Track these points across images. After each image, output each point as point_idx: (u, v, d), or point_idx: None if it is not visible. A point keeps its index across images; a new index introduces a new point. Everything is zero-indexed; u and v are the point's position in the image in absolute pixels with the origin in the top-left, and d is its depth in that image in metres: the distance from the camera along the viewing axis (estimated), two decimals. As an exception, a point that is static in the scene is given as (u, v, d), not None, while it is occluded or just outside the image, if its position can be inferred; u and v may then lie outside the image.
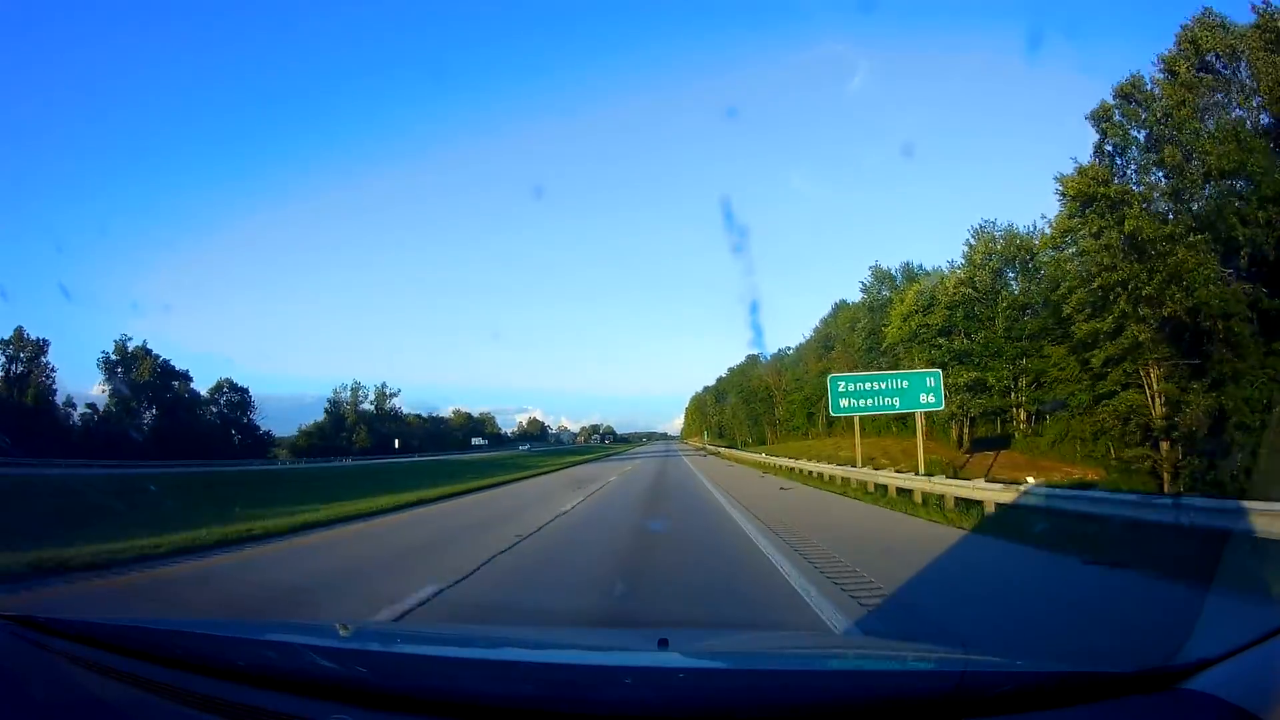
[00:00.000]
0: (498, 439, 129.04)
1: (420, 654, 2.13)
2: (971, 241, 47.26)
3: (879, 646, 3.10)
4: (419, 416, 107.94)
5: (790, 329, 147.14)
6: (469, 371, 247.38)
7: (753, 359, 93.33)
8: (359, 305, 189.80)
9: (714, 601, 6.19)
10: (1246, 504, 6.75)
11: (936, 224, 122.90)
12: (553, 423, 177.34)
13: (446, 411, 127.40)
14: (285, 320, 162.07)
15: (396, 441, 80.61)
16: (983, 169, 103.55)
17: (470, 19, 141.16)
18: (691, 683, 1.77)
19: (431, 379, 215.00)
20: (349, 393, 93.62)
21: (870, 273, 60.98)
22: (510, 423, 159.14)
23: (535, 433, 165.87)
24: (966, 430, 46.55)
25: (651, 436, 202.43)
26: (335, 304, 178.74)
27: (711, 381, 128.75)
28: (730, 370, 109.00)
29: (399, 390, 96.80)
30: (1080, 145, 47.81)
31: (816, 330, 74.62)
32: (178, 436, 55.88)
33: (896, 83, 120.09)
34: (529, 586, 6.97)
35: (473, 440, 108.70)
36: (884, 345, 51.72)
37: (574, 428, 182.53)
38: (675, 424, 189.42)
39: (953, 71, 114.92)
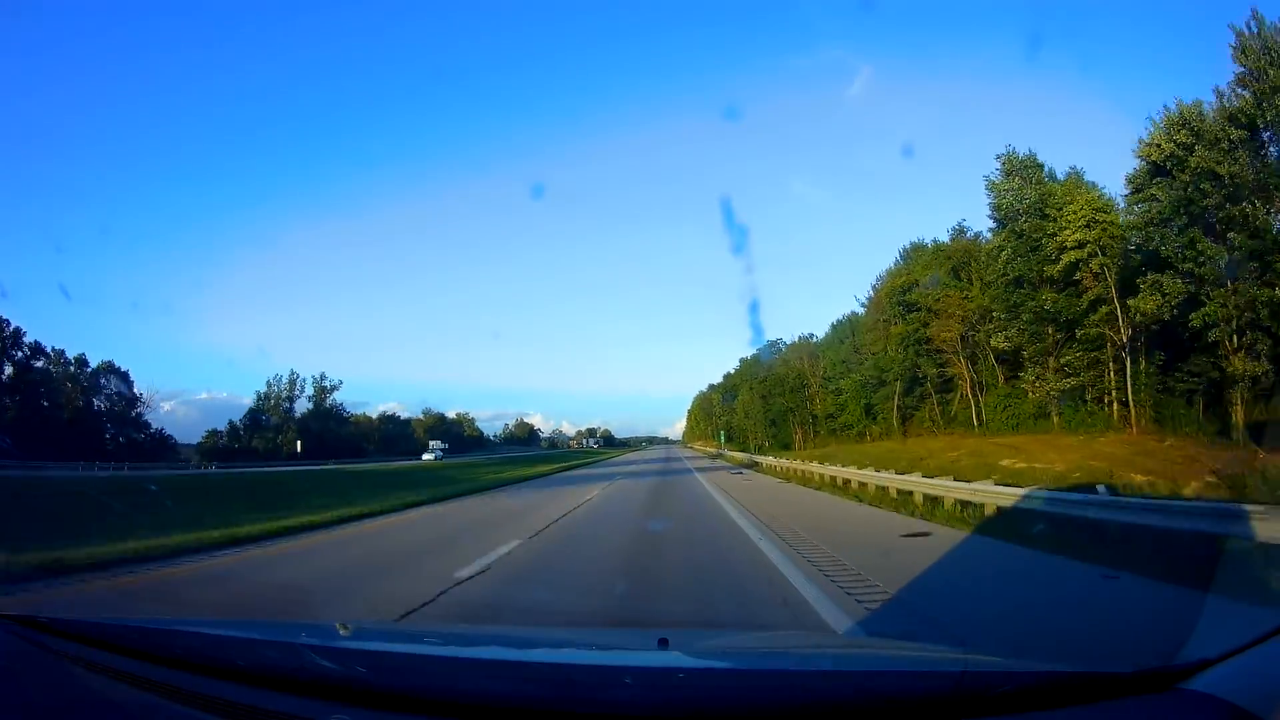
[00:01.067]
0: (476, 442, 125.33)
1: (420, 654, 2.34)
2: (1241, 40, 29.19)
3: (879, 646, 3.27)
4: (368, 416, 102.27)
5: (792, 332, 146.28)
6: (471, 377, 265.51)
7: (771, 346, 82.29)
8: (357, 309, 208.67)
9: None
10: (1246, 506, 7.10)
11: (937, 225, 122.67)
12: (549, 427, 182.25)
13: (448, 412, 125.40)
14: (285, 323, 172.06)
15: (299, 444, 74.08)
16: (983, 170, 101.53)
17: (470, 19, 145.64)
18: (692, 683, 1.93)
19: (435, 384, 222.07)
20: (285, 386, 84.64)
21: (999, 166, 40.83)
22: (495, 427, 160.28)
23: (523, 436, 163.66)
24: (1240, 405, 28.16)
25: (652, 440, 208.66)
26: (334, 307, 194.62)
27: (717, 382, 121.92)
28: (742, 361, 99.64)
29: (340, 383, 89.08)
30: (1080, 145, 40.09)
31: (879, 287, 58.30)
32: (35, 433, 50.25)
33: (897, 86, 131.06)
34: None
35: (430, 443, 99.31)
36: (1060, 266, 34.76)
37: (570, 431, 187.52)
38: (677, 428, 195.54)
39: (953, 74, 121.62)
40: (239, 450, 71.12)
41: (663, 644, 2.28)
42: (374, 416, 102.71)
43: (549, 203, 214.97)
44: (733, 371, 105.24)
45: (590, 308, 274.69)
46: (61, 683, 1.88)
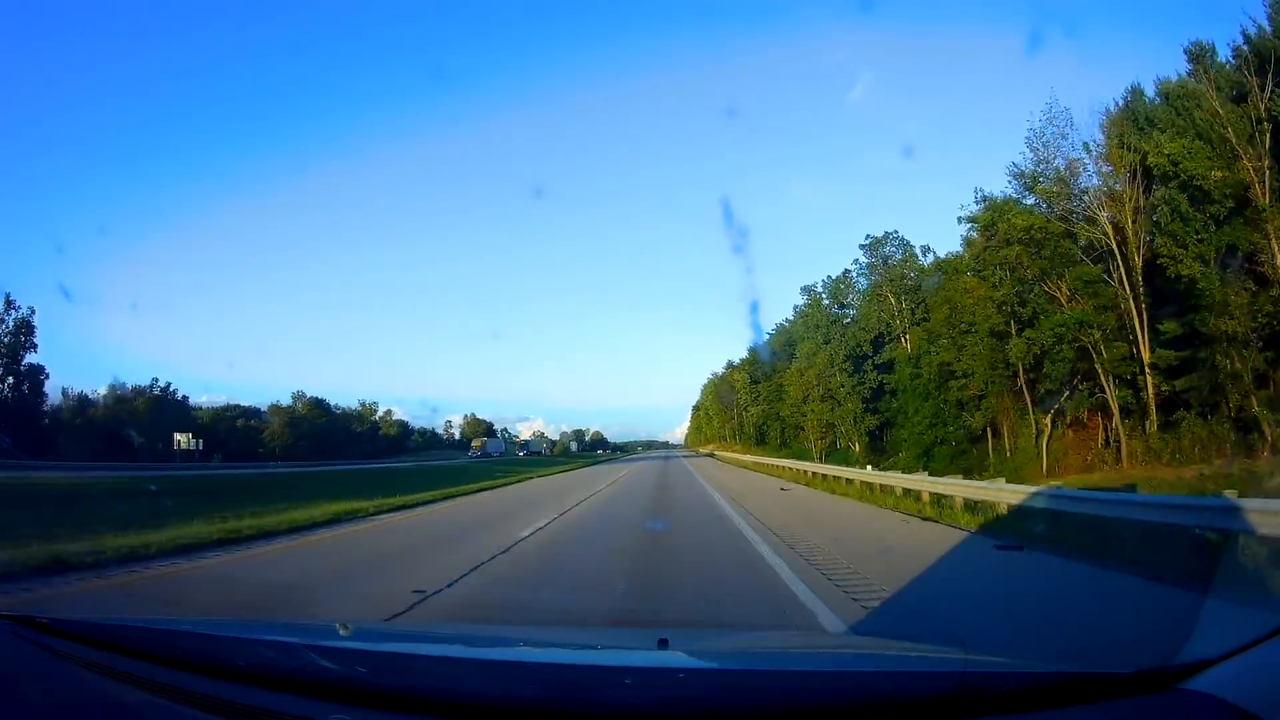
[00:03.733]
0: (393, 444, 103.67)
1: (420, 654, 2.37)
2: None
3: (879, 647, 3.32)
4: (117, 390, 67.73)
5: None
6: (472, 384, 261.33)
7: (845, 279, 59.61)
8: (353, 310, 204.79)
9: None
10: (1244, 502, 7.03)
11: (937, 225, 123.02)
12: (534, 431, 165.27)
13: (449, 420, 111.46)
14: (276, 321, 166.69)
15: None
16: (984, 168, 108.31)
17: (469, 16, 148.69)
18: (692, 683, 1.96)
19: (436, 393, 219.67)
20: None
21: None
22: (459, 432, 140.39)
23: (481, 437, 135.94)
24: None
25: (651, 444, 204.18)
26: (330, 307, 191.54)
27: (741, 358, 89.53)
28: (797, 307, 68.36)
29: (32, 310, 54.00)
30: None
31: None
32: None
33: (897, 85, 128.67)
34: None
35: (176, 436, 57.37)
36: None
37: (555, 435, 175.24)
38: (678, 432, 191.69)
39: (954, 73, 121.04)
40: None
41: (663, 644, 2.30)
42: (139, 399, 67.34)
43: (547, 204, 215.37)
44: (762, 344, 75.27)
45: (589, 313, 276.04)
46: (61, 683, 1.91)
